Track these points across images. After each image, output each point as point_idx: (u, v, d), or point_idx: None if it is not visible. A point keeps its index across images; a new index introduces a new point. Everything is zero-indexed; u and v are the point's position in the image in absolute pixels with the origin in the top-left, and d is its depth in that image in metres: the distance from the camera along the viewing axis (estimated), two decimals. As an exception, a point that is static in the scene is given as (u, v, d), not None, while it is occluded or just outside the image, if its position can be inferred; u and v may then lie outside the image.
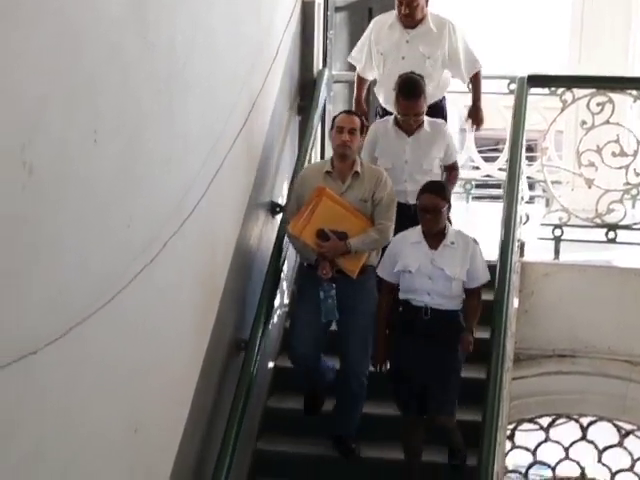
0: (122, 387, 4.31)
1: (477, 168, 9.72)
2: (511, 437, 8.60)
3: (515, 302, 6.71)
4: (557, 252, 7.40)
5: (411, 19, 6.63)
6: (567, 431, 8.87)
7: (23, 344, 3.29)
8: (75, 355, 3.73)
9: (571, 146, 8.62)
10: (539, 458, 8.93)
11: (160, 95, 4.51)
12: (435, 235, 5.60)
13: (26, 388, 3.37)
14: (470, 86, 7.01)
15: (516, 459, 9.18)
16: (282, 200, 6.83)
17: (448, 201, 5.62)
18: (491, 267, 6.32)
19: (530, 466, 8.98)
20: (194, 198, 5.01)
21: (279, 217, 6.64)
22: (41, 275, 3.43)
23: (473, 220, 8.70)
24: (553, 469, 8.94)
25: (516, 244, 6.65)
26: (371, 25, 6.91)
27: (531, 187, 9.41)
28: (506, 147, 7.66)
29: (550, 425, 8.69)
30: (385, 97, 6.77)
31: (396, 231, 5.85)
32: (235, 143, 5.67)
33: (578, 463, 8.83)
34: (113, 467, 4.28)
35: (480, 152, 9.70)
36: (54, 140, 3.44)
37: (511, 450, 8.68)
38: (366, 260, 5.83)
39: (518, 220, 6.75)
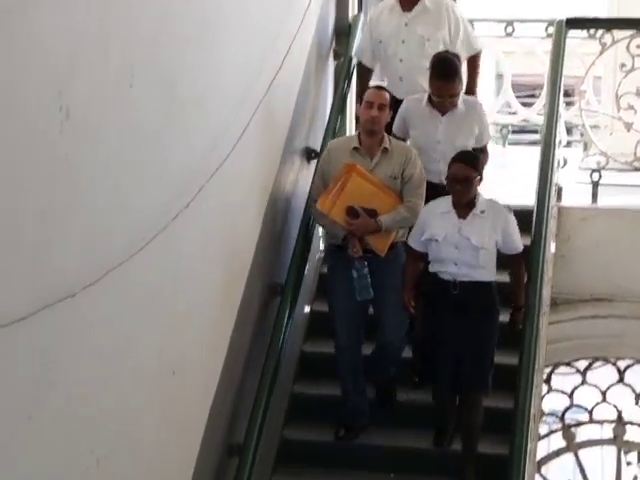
0: (159, 330, 4.36)
1: (514, 113, 9.65)
2: (548, 381, 8.62)
3: (552, 247, 6.69)
4: (595, 196, 7.35)
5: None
6: (604, 374, 8.89)
7: (61, 286, 3.33)
8: (113, 298, 3.77)
9: (610, 90, 8.54)
10: (575, 402, 8.96)
11: (194, 39, 4.51)
12: (465, 205, 5.49)
13: (64, 331, 3.41)
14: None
15: (552, 403, 9.20)
16: (317, 146, 6.81)
17: (480, 172, 5.49)
18: (528, 212, 6.33)
19: (566, 409, 9.01)
20: (230, 142, 5.02)
21: (314, 163, 6.64)
22: (79, 218, 3.46)
23: (510, 165, 8.66)
24: (590, 412, 8.96)
25: (553, 188, 6.62)
26: (371, 13, 6.80)
27: (569, 132, 9.30)
28: (544, 92, 7.59)
29: (587, 368, 8.71)
30: (390, 82, 6.50)
31: None
32: (270, 88, 5.66)
33: (615, 406, 8.85)
34: (152, 408, 4.34)
35: (517, 98, 9.61)
36: (90, 84, 3.45)
37: (547, 393, 8.71)
38: (394, 237, 5.74)
39: (555, 164, 6.70)
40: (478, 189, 5.52)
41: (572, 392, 8.92)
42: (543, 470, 8.97)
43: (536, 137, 8.22)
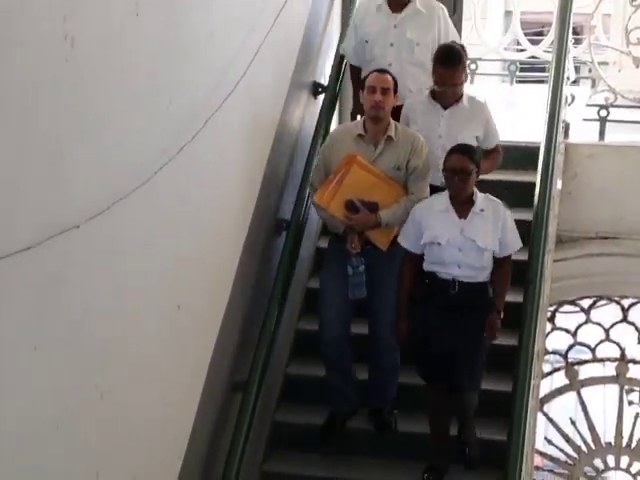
0: (164, 263, 4.35)
1: (522, 50, 9.57)
2: (551, 319, 8.64)
3: (558, 184, 6.66)
4: (602, 133, 7.31)
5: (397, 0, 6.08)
6: (608, 313, 8.91)
7: (66, 218, 3.31)
8: (118, 230, 3.76)
9: (619, 25, 8.45)
10: (579, 339, 8.99)
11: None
12: (463, 202, 5.22)
13: (69, 262, 3.41)
14: None
15: (556, 341, 9.23)
16: (324, 80, 6.74)
17: (477, 165, 5.19)
18: (535, 148, 6.30)
19: (570, 348, 9.04)
20: (235, 76, 4.97)
21: (321, 98, 6.58)
22: (84, 150, 3.44)
23: (518, 102, 8.61)
24: (593, 350, 8.99)
25: (561, 125, 6.56)
26: (356, 10, 6.43)
27: (577, 70, 9.24)
28: (552, 28, 7.51)
29: (591, 307, 8.72)
30: None
31: None
32: (277, 20, 5.59)
33: (618, 344, 8.87)
34: (157, 342, 4.34)
35: (525, 36, 9.53)
36: (95, 12, 3.41)
37: (551, 332, 8.73)
38: (397, 231, 5.45)
39: (563, 101, 6.64)
40: (475, 189, 5.25)
41: (576, 330, 8.94)
42: (545, 408, 9.00)
43: (544, 75, 8.13)
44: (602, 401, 10.55)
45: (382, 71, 5.49)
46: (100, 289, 3.70)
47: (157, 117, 4.08)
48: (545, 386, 8.96)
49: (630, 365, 8.85)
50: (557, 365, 9.29)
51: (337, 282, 5.49)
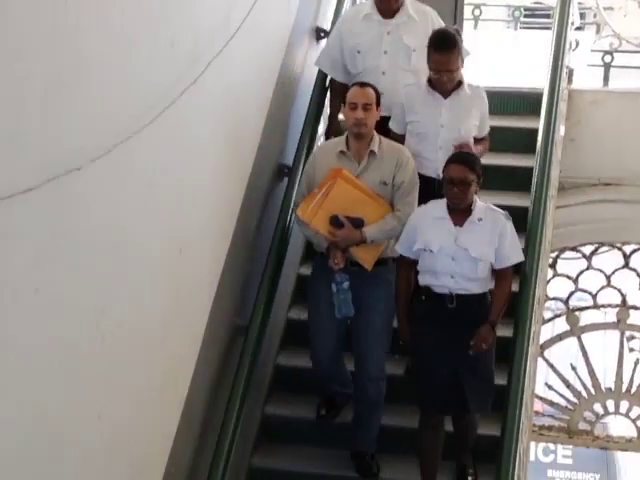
0: (166, 206, 4.36)
1: (527, -6, 9.51)
2: (553, 265, 8.66)
3: (562, 130, 6.64)
4: (606, 79, 7.28)
5: (389, 6, 5.76)
6: (609, 259, 8.92)
7: (67, 160, 3.31)
8: (119, 173, 3.77)
9: (625, -30, 8.38)
10: (580, 286, 9.02)
11: None
12: (461, 210, 4.99)
13: (71, 203, 3.42)
14: None
15: (558, 288, 9.25)
16: (327, 25, 6.69)
17: (478, 174, 4.95)
18: (538, 94, 6.28)
19: (571, 294, 9.07)
20: (238, 19, 4.94)
21: (324, 42, 6.54)
22: (86, 90, 3.44)
23: (521, 48, 8.56)
24: (594, 297, 9.02)
25: (564, 71, 6.53)
26: (339, 22, 6.07)
27: (582, 17, 9.18)
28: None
29: (593, 253, 8.73)
30: None
31: None
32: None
33: (619, 291, 8.90)
34: (158, 285, 4.37)
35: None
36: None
37: (553, 278, 8.75)
38: (384, 251, 5.21)
39: (567, 46, 6.60)
40: (475, 196, 5.02)
41: (577, 277, 8.97)
42: (546, 354, 9.05)
43: (549, 22, 8.07)
44: (602, 347, 10.58)
45: (363, 85, 5.19)
46: (101, 231, 3.71)
47: (159, 58, 4.06)
48: (546, 332, 8.99)
49: (631, 311, 8.89)
50: (558, 312, 9.32)
51: (322, 305, 5.25)
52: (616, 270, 8.86)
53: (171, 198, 4.39)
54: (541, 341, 7.90)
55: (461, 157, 5.04)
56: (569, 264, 8.99)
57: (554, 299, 9.15)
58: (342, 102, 5.26)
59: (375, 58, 5.78)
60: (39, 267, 3.25)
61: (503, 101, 6.79)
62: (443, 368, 5.02)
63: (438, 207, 5.05)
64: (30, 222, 3.16)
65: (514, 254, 5.09)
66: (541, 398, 9.20)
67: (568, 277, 8.99)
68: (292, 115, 6.21)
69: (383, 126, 5.38)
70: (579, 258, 8.81)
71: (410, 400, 5.27)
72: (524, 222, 5.66)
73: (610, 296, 9.02)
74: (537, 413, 9.09)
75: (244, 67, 5.26)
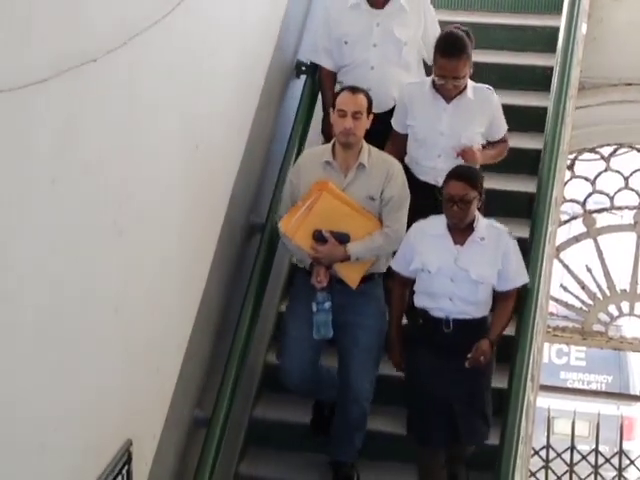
0: (182, 100, 4.31)
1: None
2: (571, 167, 8.62)
3: (583, 28, 6.52)
4: (630, -25, 7.14)
5: None
6: (628, 160, 8.87)
7: (83, 51, 3.27)
8: (136, 65, 3.72)
9: None
10: (598, 188, 8.98)
11: None
12: (462, 228, 4.66)
13: (87, 96, 3.38)
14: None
15: (575, 190, 9.23)
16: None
17: (479, 190, 4.61)
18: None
19: (588, 196, 9.04)
20: None
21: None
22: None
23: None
24: (611, 199, 9.00)
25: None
26: (325, 10, 5.61)
27: None
28: None
29: (611, 155, 8.68)
30: None
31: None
32: None
33: (637, 192, 8.87)
34: (174, 182, 4.34)
35: None
36: None
37: (570, 180, 8.72)
38: (370, 266, 4.88)
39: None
40: (477, 213, 4.69)
41: (595, 179, 8.93)
42: (562, 255, 9.08)
43: None
44: (618, 249, 10.59)
45: (355, 90, 4.79)
46: (117, 124, 3.67)
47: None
48: (563, 234, 9.00)
49: (647, 212, 8.89)
50: (575, 215, 9.32)
51: (301, 322, 4.92)
52: (634, 172, 8.82)
53: (187, 91, 4.33)
54: (557, 243, 7.90)
55: (461, 173, 4.66)
56: (587, 166, 8.96)
57: (571, 201, 9.14)
58: (334, 95, 4.92)
59: (363, 51, 5.40)
60: (55, 157, 3.21)
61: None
62: (438, 399, 4.69)
63: (438, 223, 4.72)
64: (45, 113, 3.12)
65: (518, 276, 4.77)
66: (556, 300, 9.25)
67: (586, 179, 8.96)
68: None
69: (373, 124, 4.86)
70: (597, 159, 8.76)
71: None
72: (542, 123, 5.61)
73: (627, 198, 8.99)
74: (552, 314, 9.15)
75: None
